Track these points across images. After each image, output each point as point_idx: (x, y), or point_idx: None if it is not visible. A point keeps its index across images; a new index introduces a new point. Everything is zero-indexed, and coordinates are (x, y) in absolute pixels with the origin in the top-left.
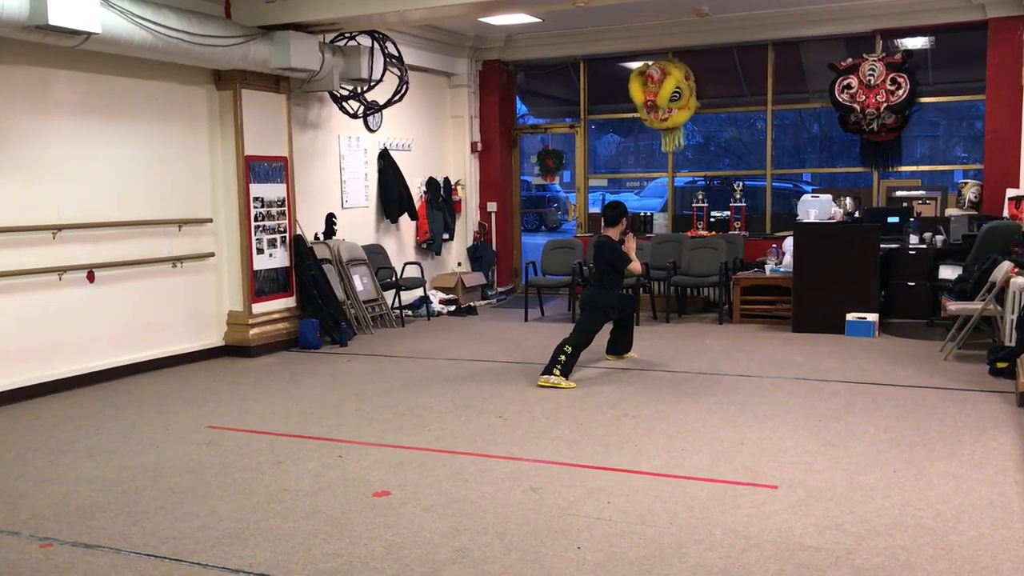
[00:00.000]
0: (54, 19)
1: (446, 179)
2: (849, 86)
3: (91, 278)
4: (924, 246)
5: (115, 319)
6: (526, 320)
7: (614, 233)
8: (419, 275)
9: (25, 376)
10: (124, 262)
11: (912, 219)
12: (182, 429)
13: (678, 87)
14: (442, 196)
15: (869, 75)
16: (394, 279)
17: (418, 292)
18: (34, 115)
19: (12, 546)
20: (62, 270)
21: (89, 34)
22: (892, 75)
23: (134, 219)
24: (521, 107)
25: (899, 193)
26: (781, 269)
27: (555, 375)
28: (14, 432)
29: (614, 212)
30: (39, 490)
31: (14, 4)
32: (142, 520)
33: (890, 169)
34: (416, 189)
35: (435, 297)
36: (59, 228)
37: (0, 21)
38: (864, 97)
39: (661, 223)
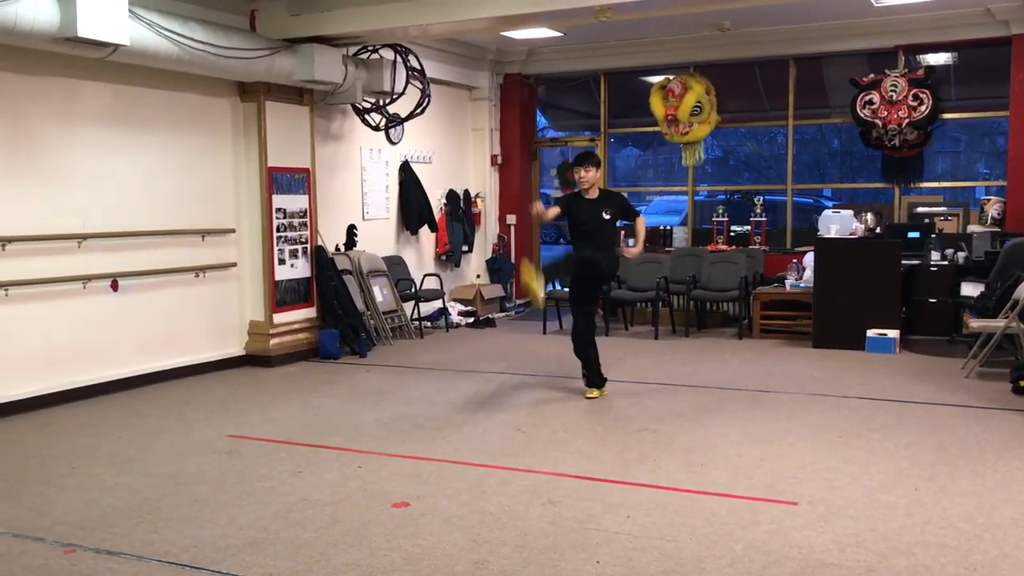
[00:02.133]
0: (83, 31)
1: (466, 191)
2: (871, 101)
3: (115, 287)
4: (946, 263)
5: (138, 327)
6: (544, 333)
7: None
8: (438, 287)
9: (50, 383)
10: (148, 271)
11: (934, 235)
12: (203, 437)
13: (699, 101)
14: (462, 208)
15: (891, 91)
16: (413, 290)
17: (437, 304)
18: (61, 125)
19: (37, 552)
20: (87, 279)
21: (117, 46)
22: (915, 91)
23: (158, 229)
24: (541, 120)
25: (921, 209)
26: (801, 284)
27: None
28: (39, 438)
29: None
30: (63, 496)
31: (45, 16)
32: (163, 528)
33: (912, 185)
34: (436, 201)
35: (454, 309)
36: (84, 237)
37: (31, 33)
38: (886, 113)
39: (681, 237)
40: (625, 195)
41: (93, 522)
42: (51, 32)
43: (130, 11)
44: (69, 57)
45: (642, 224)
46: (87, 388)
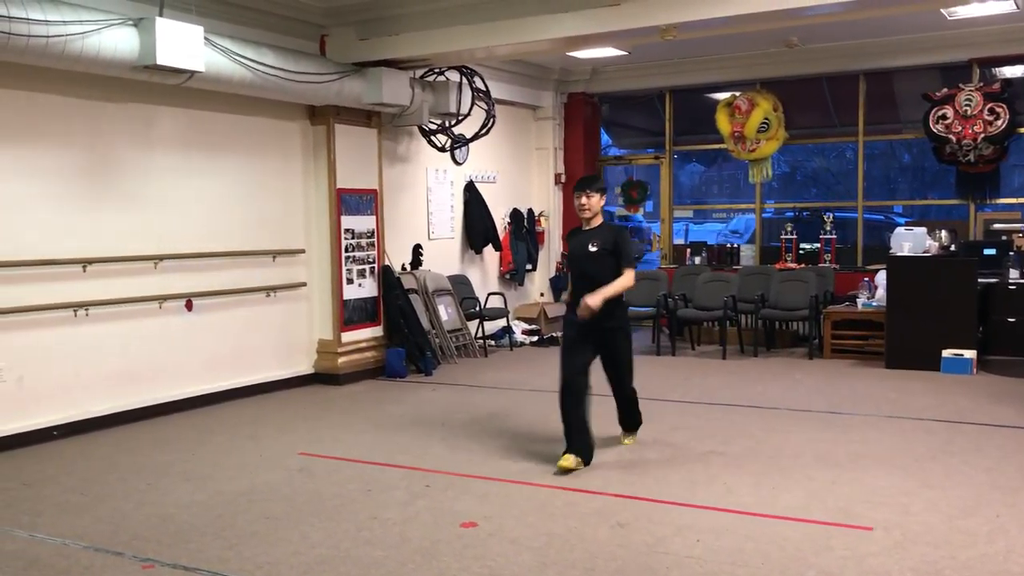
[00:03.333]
0: (162, 59)
1: (530, 210)
2: (944, 116)
3: (189, 306)
4: None
5: (211, 346)
6: None
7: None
8: (502, 305)
9: (127, 400)
10: (221, 291)
11: (1012, 252)
12: (274, 455)
13: (766, 118)
14: (526, 227)
15: (966, 105)
16: (478, 309)
17: (501, 322)
18: (139, 150)
19: (117, 566)
20: (163, 299)
21: (193, 72)
22: (990, 105)
23: (231, 250)
24: (605, 138)
25: (997, 226)
26: (874, 303)
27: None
28: (117, 454)
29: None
30: (140, 512)
31: (126, 46)
32: (237, 544)
33: (987, 201)
34: (500, 220)
35: (518, 327)
36: (160, 258)
37: (113, 62)
38: (960, 128)
39: (748, 255)
40: (629, 235)
41: (170, 538)
42: (131, 60)
43: (205, 38)
44: (147, 84)
45: (627, 278)
46: (163, 405)
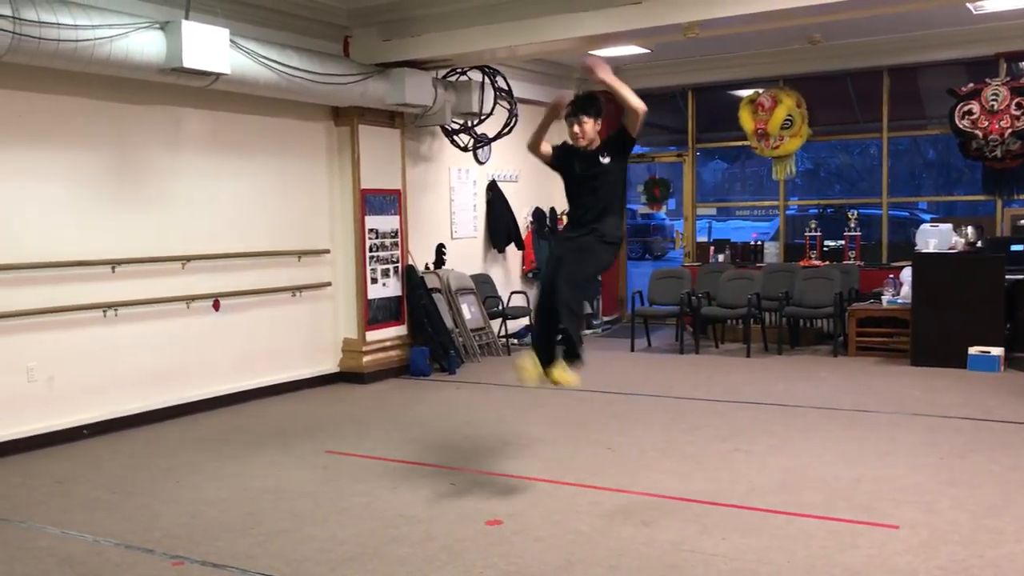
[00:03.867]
0: (188, 62)
1: (552, 209)
2: (970, 112)
3: (216, 306)
4: None
5: (238, 345)
6: (632, 350)
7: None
8: (525, 304)
9: (157, 399)
10: (247, 291)
11: None
12: (301, 453)
13: (790, 115)
14: (548, 226)
15: (992, 100)
16: (501, 308)
17: (524, 321)
18: (166, 152)
19: (148, 563)
20: (190, 299)
21: (219, 75)
22: (1018, 99)
23: (257, 250)
24: None
25: None
26: (899, 300)
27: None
28: (147, 453)
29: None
30: (170, 510)
31: (152, 49)
32: (266, 542)
33: (1015, 197)
34: (523, 219)
35: None
36: (188, 259)
37: (140, 65)
38: (987, 123)
39: (772, 252)
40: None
41: (199, 535)
42: (158, 63)
43: (231, 41)
44: (174, 86)
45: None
46: (191, 404)
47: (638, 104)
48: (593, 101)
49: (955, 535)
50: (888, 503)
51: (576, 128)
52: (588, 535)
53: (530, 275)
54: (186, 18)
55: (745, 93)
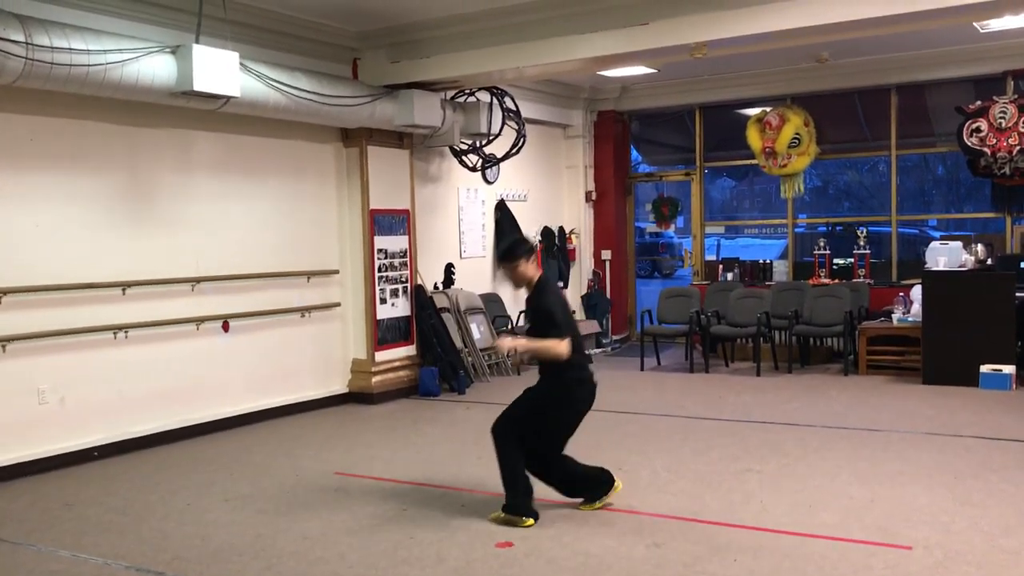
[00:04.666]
0: (199, 85)
1: (560, 228)
2: (979, 129)
3: (226, 327)
4: None
5: (248, 366)
6: (642, 369)
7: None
8: None
9: (167, 420)
10: (257, 312)
11: None
12: (311, 474)
13: (797, 133)
14: (557, 245)
15: (1000, 118)
16: (510, 327)
17: None
18: (176, 174)
19: None
20: (200, 320)
21: (229, 98)
22: None
23: (266, 271)
24: (636, 155)
25: None
26: (909, 319)
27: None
28: (157, 474)
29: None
30: (180, 531)
31: (163, 73)
32: (276, 564)
33: None
34: (531, 238)
35: None
36: (198, 280)
37: (151, 88)
38: (995, 140)
39: (781, 270)
40: (548, 290)
41: (210, 557)
42: (169, 87)
43: (241, 64)
44: (184, 109)
45: (554, 344)
46: (201, 425)
47: (558, 353)
48: (512, 248)
49: (969, 555)
50: (902, 523)
51: (506, 274)
52: (599, 557)
53: None
54: (197, 42)
55: (753, 112)
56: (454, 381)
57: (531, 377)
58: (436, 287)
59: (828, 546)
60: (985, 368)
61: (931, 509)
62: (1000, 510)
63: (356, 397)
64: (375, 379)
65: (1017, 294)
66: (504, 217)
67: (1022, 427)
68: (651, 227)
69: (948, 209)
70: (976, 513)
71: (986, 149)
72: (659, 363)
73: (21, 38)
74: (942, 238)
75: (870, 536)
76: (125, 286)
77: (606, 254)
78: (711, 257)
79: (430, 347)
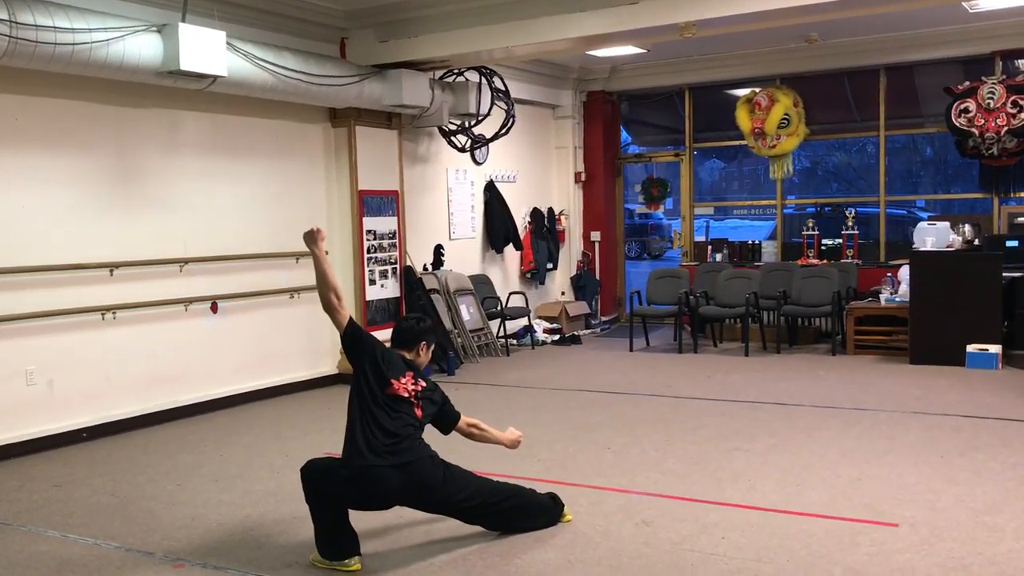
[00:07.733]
0: (185, 64)
1: (550, 209)
2: (967, 110)
3: (214, 309)
4: None
5: (236, 348)
6: (631, 350)
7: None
8: (524, 304)
9: (155, 402)
10: (245, 293)
11: None
12: (300, 455)
13: (786, 114)
14: (546, 226)
15: (988, 98)
16: (499, 308)
17: (523, 321)
18: (164, 154)
19: (148, 566)
20: (188, 301)
21: (216, 77)
22: (1013, 97)
23: (254, 252)
24: (625, 136)
25: (1022, 219)
26: (897, 299)
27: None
28: (146, 456)
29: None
30: (170, 513)
31: (149, 52)
32: (266, 544)
33: (1012, 194)
34: (521, 219)
35: (539, 326)
36: (185, 261)
37: (137, 68)
38: (983, 121)
39: (770, 251)
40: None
41: (199, 537)
42: (155, 66)
43: (228, 43)
44: (171, 89)
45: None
46: (190, 407)
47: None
48: (408, 331)
49: (955, 533)
50: (888, 501)
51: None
52: (588, 535)
53: (528, 275)
54: (183, 21)
55: (742, 92)
56: (443, 362)
57: (522, 360)
58: (425, 268)
59: (815, 524)
60: (971, 348)
61: (917, 487)
62: (985, 488)
63: (345, 378)
64: None
65: (1004, 274)
66: (493, 198)
67: (1008, 406)
68: (640, 208)
69: (936, 190)
70: (962, 491)
71: (974, 130)
72: (648, 344)
73: (5, 16)
74: (930, 218)
75: (857, 514)
76: (112, 267)
77: (595, 235)
78: (700, 238)
79: None
